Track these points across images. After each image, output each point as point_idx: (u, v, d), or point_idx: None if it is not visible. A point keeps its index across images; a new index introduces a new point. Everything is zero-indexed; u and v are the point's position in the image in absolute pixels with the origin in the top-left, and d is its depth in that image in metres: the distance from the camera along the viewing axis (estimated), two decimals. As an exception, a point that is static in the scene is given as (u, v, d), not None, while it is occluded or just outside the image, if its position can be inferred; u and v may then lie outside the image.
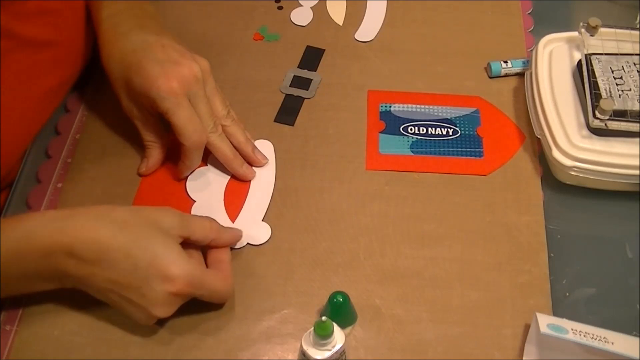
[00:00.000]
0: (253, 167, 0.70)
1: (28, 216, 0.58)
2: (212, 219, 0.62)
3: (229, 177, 0.70)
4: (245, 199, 0.69)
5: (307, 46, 0.81)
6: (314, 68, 0.79)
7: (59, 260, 0.55)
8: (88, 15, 0.71)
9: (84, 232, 0.55)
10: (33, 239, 0.55)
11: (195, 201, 0.68)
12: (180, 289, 0.56)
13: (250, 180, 0.70)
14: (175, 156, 0.71)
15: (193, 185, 0.69)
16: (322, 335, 0.53)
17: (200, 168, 0.71)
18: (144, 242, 0.56)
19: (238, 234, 0.64)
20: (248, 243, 0.66)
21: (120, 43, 0.66)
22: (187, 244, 0.60)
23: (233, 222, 0.67)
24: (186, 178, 0.70)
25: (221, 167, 0.70)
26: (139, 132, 0.69)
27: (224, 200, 0.68)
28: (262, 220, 0.67)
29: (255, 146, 0.71)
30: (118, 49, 0.66)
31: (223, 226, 0.63)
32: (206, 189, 0.68)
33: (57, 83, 0.68)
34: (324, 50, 0.81)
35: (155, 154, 0.69)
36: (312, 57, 0.80)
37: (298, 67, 0.79)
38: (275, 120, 0.75)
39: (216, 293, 0.59)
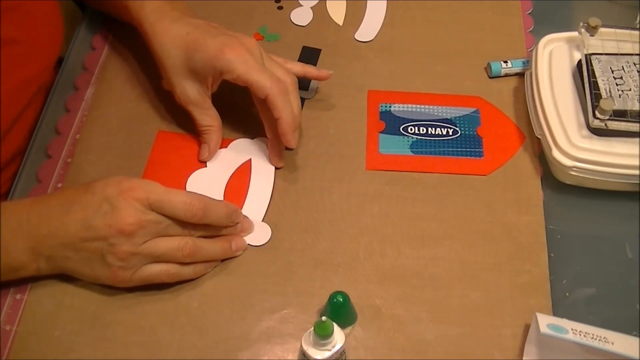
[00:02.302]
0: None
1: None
2: (198, 195, 0.62)
3: (228, 177, 0.70)
4: (244, 200, 0.69)
5: (303, 46, 0.81)
6: (312, 68, 0.79)
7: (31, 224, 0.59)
8: (55, 12, 0.72)
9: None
10: None
11: None
12: (133, 193, 0.58)
13: (276, 167, 0.71)
14: (177, 157, 0.71)
15: (193, 187, 0.69)
16: (322, 335, 0.53)
17: (200, 169, 0.71)
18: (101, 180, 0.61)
19: (233, 210, 0.64)
20: (248, 244, 0.66)
21: (173, 30, 0.68)
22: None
23: None
24: (188, 178, 0.70)
25: (220, 168, 0.70)
26: (195, 118, 0.70)
27: (224, 201, 0.68)
28: (262, 221, 0.67)
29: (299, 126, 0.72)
30: (172, 36, 0.68)
31: (215, 201, 0.63)
32: (205, 190, 0.68)
33: (24, 80, 0.69)
34: (320, 50, 0.81)
35: (214, 137, 0.70)
36: (308, 58, 0.80)
37: (296, 67, 0.79)
38: (277, 122, 0.75)
39: (177, 197, 0.59)
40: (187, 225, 0.61)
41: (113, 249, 0.58)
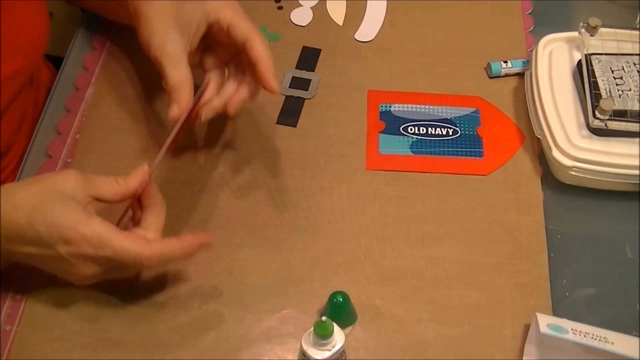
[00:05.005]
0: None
1: None
2: (123, 178, 0.60)
3: None
4: None
5: (303, 47, 0.81)
6: (311, 68, 0.79)
7: None
8: (39, 8, 0.71)
9: None
10: None
11: None
12: (81, 249, 0.56)
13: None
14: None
15: None
16: (322, 335, 0.53)
17: None
18: (42, 211, 0.56)
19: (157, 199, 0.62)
20: None
21: None
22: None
23: None
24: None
25: None
26: (166, 74, 0.65)
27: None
28: None
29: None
30: None
31: (140, 184, 0.60)
32: None
33: (6, 75, 0.69)
34: (320, 50, 0.81)
35: (184, 95, 0.65)
36: (309, 58, 0.80)
37: (296, 67, 0.79)
38: (277, 122, 0.75)
39: (126, 254, 0.57)
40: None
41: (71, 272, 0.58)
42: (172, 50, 0.66)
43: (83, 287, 0.61)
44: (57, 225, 0.56)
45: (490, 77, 0.78)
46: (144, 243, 0.58)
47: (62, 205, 0.57)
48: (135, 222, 0.62)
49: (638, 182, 0.67)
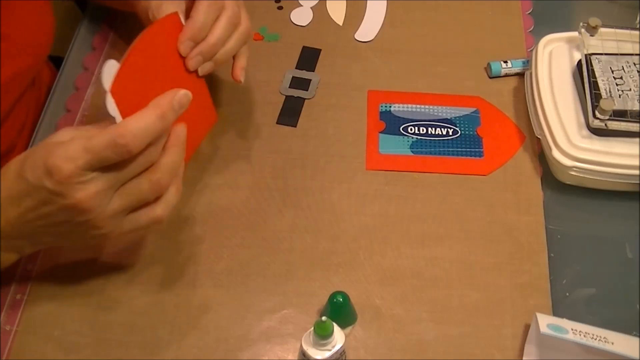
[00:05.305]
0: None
1: None
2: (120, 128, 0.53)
3: None
4: None
5: (303, 47, 0.81)
6: (311, 68, 0.79)
7: None
8: (44, 8, 0.71)
9: None
10: None
11: None
12: (62, 170, 0.51)
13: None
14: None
15: None
16: (322, 335, 0.53)
17: None
18: (29, 159, 0.54)
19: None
20: None
21: None
22: None
23: None
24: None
25: None
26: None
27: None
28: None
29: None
30: None
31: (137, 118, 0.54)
32: None
33: (11, 75, 0.69)
34: (320, 50, 0.81)
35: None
36: (309, 58, 0.80)
37: (296, 68, 0.79)
38: (277, 122, 0.75)
39: (99, 146, 0.51)
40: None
41: (87, 224, 0.54)
42: (167, 10, 0.64)
43: (115, 238, 0.56)
44: (38, 161, 0.53)
45: (490, 77, 0.78)
46: (112, 127, 0.52)
47: (43, 146, 0.54)
48: None
49: (638, 182, 0.67)
